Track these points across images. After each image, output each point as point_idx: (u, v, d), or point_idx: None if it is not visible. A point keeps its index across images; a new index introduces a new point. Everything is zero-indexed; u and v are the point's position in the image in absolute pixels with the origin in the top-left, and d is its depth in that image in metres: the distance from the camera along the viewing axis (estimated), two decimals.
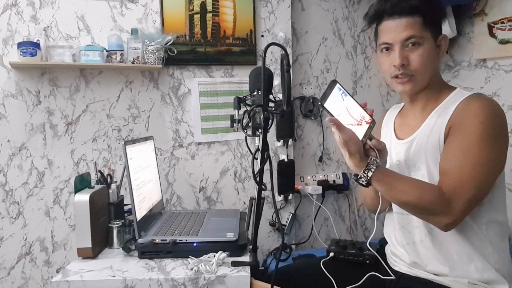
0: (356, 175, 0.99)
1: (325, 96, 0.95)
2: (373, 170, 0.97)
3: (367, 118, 1.01)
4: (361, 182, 0.98)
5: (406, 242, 1.12)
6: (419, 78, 1.06)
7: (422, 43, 1.03)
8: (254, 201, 1.12)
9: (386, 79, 1.13)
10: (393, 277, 1.11)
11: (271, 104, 1.10)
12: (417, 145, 1.08)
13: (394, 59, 1.04)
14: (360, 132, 0.99)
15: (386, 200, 1.14)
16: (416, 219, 1.09)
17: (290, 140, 2.11)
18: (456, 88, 1.10)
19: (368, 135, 1.01)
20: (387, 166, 1.19)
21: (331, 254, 1.25)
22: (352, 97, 0.99)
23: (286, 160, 2.08)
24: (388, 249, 1.24)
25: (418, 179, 1.02)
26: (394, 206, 1.17)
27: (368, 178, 0.97)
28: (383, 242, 1.33)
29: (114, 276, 1.09)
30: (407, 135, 1.13)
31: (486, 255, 1.01)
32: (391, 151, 1.18)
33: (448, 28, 2.03)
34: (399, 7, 1.03)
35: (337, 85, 0.97)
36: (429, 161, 1.04)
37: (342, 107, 0.97)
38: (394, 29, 1.04)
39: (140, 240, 1.21)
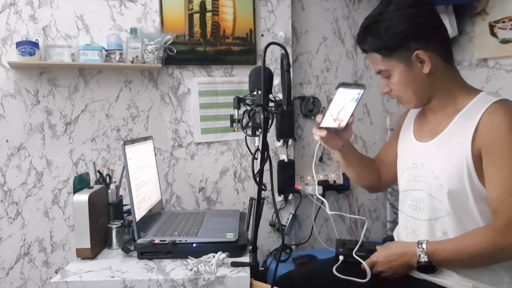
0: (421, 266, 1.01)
1: (348, 85, 1.01)
2: (423, 241, 1.02)
3: (343, 123, 1.09)
4: (423, 259, 1.00)
5: None
6: (407, 100, 1.09)
7: (391, 72, 1.05)
8: (254, 201, 1.11)
9: None
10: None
11: (271, 104, 1.09)
12: (439, 151, 1.05)
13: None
14: (327, 123, 1.06)
15: (354, 170, 1.28)
16: (424, 225, 1.07)
17: (290, 140, 2.10)
18: (480, 91, 1.05)
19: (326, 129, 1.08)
20: (402, 167, 1.17)
21: (341, 258, 1.19)
22: (356, 105, 1.05)
23: (286, 160, 2.07)
24: None
25: (467, 233, 1.00)
26: (405, 207, 1.15)
27: (425, 249, 1.00)
28: (387, 240, 1.33)
29: (113, 277, 1.09)
30: (427, 138, 1.10)
31: (496, 271, 1.00)
32: (408, 152, 1.16)
33: (449, 27, 2.02)
34: (360, 49, 1.11)
35: (362, 91, 1.03)
36: (451, 170, 1.01)
37: (344, 104, 1.04)
38: (370, 62, 1.13)
39: (139, 241, 1.21)
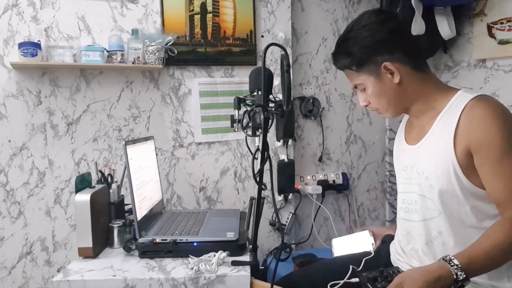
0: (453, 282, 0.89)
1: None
2: (452, 257, 0.91)
3: (366, 233, 1.33)
4: (461, 276, 0.89)
5: (411, 248, 1.13)
6: (384, 110, 1.13)
7: (365, 86, 1.10)
8: (254, 201, 1.12)
9: None
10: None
11: (271, 104, 1.10)
12: (425, 153, 1.07)
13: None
14: (368, 244, 1.30)
15: None
16: (418, 226, 1.09)
17: (290, 140, 2.11)
18: (458, 90, 1.07)
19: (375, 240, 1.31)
20: (396, 171, 1.21)
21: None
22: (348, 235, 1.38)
23: (286, 160, 2.08)
24: (392, 247, 1.24)
25: (488, 233, 0.96)
26: (399, 211, 1.18)
27: (460, 266, 0.89)
28: (386, 239, 1.34)
29: (115, 276, 1.10)
30: (415, 140, 1.13)
31: None
32: (400, 156, 1.19)
33: (447, 28, 2.03)
34: (336, 65, 1.15)
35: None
36: (438, 171, 1.02)
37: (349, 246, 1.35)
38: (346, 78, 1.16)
39: (140, 240, 1.22)
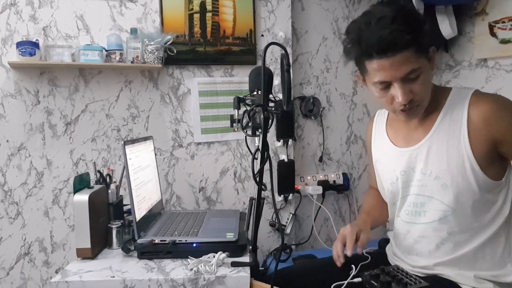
0: None
1: None
2: None
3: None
4: None
5: (416, 249, 1.11)
6: (425, 104, 1.02)
7: (421, 71, 0.95)
8: (254, 201, 1.12)
9: (384, 107, 1.10)
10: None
11: (271, 104, 1.09)
12: (431, 152, 1.04)
13: (398, 97, 0.96)
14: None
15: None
16: (427, 228, 1.07)
17: (290, 140, 2.11)
18: (450, 88, 1.07)
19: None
20: (391, 177, 1.15)
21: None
22: None
23: (286, 160, 2.07)
24: (389, 250, 1.23)
25: None
26: (403, 214, 1.14)
27: None
28: (382, 244, 1.33)
29: (114, 277, 1.09)
30: (412, 142, 1.09)
31: (498, 254, 1.02)
32: (393, 161, 1.14)
33: (449, 28, 2.02)
34: (392, 45, 0.90)
35: None
36: (452, 169, 1.01)
37: None
38: (390, 67, 0.93)
39: (139, 241, 1.21)
